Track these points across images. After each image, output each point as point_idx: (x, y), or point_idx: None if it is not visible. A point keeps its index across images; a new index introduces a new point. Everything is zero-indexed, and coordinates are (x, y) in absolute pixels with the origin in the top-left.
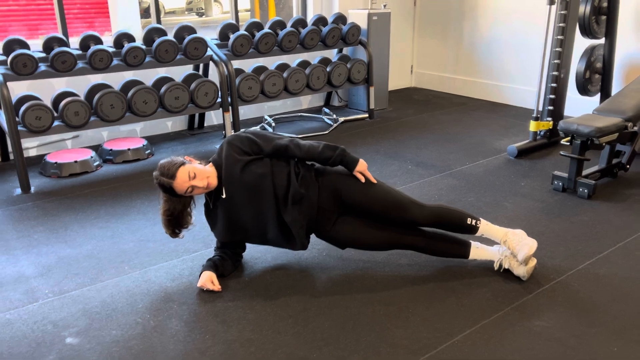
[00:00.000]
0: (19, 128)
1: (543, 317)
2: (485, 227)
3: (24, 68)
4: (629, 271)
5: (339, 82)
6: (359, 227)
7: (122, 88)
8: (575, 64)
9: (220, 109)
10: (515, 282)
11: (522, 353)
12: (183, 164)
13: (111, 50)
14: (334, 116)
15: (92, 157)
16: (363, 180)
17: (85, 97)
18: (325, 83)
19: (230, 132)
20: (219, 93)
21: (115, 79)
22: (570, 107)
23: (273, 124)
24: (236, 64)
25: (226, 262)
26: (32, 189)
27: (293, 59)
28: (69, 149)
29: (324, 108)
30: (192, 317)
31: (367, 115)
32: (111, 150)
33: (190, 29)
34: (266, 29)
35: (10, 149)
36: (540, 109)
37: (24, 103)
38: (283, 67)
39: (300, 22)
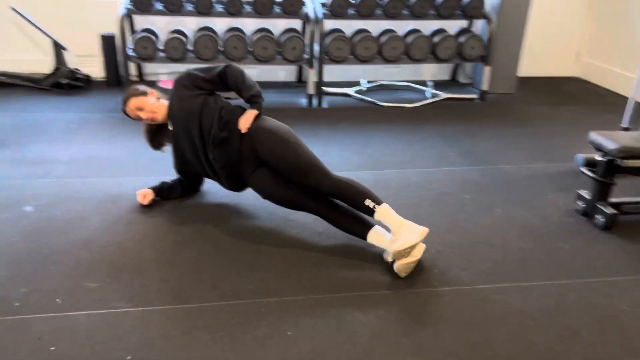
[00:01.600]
0: (130, 54)
1: (369, 313)
2: (385, 213)
3: (141, 5)
4: (531, 309)
5: (445, 55)
6: (270, 182)
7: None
8: None
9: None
10: (393, 276)
11: (298, 329)
12: (142, 94)
13: None
14: (434, 90)
15: None
16: (244, 129)
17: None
18: (428, 54)
19: (312, 89)
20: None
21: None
22: None
23: (364, 89)
24: (340, 25)
25: (174, 188)
26: None
27: (417, 27)
28: None
29: (428, 81)
30: (114, 218)
31: (476, 96)
32: None
33: None
34: None
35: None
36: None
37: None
38: (386, 32)
39: None
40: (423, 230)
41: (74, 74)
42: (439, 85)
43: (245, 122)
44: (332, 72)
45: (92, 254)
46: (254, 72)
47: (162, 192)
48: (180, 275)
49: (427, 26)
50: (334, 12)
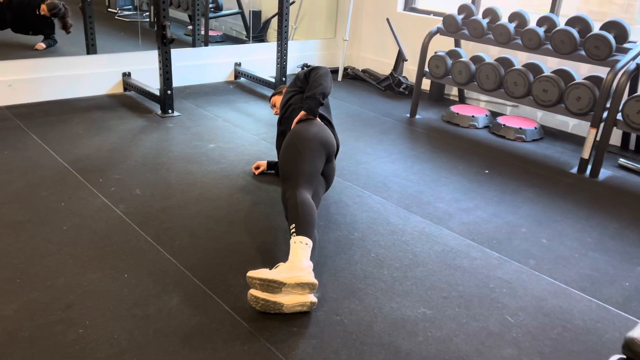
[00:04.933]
0: (425, 70)
1: (183, 310)
2: (294, 244)
3: (449, 27)
4: None
5: None
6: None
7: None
8: None
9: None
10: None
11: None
12: (279, 93)
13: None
14: None
15: (473, 117)
16: (292, 126)
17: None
18: None
19: (587, 152)
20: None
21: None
22: None
23: None
24: None
25: None
26: (417, 117)
27: None
28: (480, 109)
29: None
30: (234, 170)
31: None
32: (495, 121)
33: (616, 26)
34: None
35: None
36: None
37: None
38: None
39: None
40: (303, 278)
41: (400, 82)
42: None
43: (295, 120)
44: None
45: (182, 179)
46: (560, 118)
47: (274, 167)
48: (178, 214)
49: None
50: None
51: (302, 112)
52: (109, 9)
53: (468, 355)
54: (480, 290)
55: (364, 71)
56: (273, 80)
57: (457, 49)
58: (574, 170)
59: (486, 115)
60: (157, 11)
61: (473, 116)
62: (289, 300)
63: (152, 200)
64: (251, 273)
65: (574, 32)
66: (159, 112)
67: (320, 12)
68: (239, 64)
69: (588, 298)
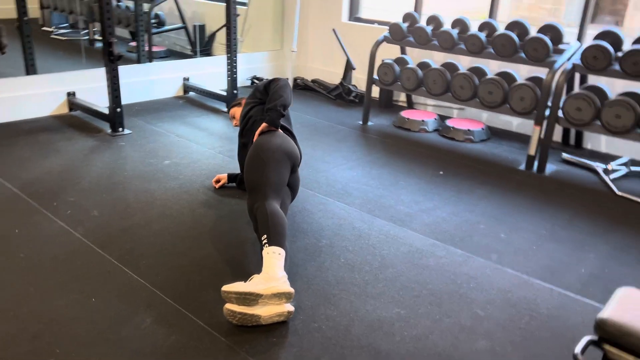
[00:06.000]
0: (375, 78)
1: (160, 326)
2: (267, 255)
3: (395, 35)
4: None
5: None
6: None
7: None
8: None
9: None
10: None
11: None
12: (238, 104)
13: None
14: None
15: (423, 121)
16: (255, 138)
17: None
18: None
19: (533, 149)
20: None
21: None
22: None
23: (617, 169)
24: (603, 82)
25: (243, 180)
26: (369, 124)
27: None
28: (427, 113)
29: None
30: (192, 185)
31: None
32: (443, 124)
33: (551, 29)
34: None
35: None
36: None
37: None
38: None
39: None
40: (279, 288)
41: (350, 91)
42: None
43: (257, 132)
44: (596, 139)
45: (140, 198)
46: (504, 118)
47: (235, 179)
48: (140, 229)
49: None
50: (588, 65)
51: (264, 124)
52: (43, 28)
53: (445, 350)
54: (449, 287)
55: (313, 81)
56: (225, 93)
57: (403, 56)
58: (522, 167)
59: (435, 119)
60: (103, 28)
61: (423, 120)
62: (266, 311)
63: (111, 221)
64: (226, 287)
65: (514, 35)
66: (109, 130)
67: (266, 24)
68: (187, 79)
69: (549, 287)
